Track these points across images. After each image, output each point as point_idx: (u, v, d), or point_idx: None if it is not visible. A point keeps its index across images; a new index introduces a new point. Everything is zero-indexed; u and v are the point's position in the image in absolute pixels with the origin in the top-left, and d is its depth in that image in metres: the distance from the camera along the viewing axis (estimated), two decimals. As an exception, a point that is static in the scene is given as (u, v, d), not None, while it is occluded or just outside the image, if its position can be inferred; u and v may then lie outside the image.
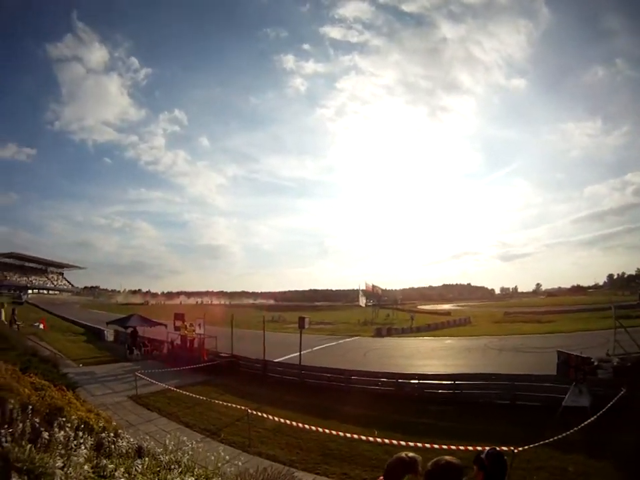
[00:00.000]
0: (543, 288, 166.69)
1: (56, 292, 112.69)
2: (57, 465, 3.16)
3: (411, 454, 2.93)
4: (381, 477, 2.92)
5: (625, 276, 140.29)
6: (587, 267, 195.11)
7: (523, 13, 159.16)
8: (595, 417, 8.99)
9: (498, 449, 3.08)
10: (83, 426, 4.83)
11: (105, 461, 3.82)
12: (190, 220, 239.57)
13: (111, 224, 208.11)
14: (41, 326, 35.33)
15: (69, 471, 3.14)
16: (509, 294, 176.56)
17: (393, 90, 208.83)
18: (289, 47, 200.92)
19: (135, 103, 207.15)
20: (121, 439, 4.90)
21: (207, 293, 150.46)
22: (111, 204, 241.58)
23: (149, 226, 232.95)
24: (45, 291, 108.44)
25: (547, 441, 7.76)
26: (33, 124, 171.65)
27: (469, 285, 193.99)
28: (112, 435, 4.85)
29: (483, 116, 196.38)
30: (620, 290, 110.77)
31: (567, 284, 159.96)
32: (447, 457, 2.74)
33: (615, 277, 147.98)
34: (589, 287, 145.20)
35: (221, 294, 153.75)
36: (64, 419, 4.64)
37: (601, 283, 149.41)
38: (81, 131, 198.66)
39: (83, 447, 3.89)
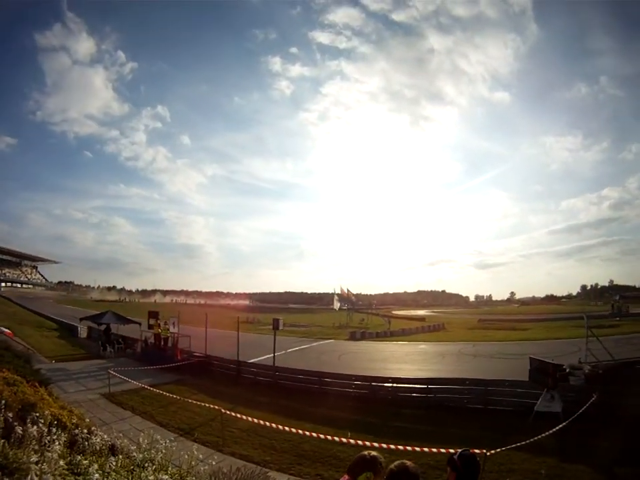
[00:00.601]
0: (517, 297, 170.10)
1: (29, 286, 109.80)
2: (32, 460, 3.14)
3: (373, 453, 3.05)
4: (345, 475, 3.05)
5: (598, 287, 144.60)
6: (561, 278, 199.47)
7: (511, 28, 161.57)
8: (567, 422, 9.27)
9: (470, 450, 3.22)
10: (56, 422, 4.79)
11: (79, 457, 3.82)
12: (167, 218, 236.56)
13: (88, 219, 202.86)
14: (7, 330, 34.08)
15: (43, 467, 3.08)
16: (483, 301, 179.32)
17: (376, 97, 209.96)
18: (277, 49, 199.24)
19: (119, 97, 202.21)
20: (94, 436, 4.86)
21: (182, 292, 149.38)
22: (90, 198, 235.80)
23: (126, 222, 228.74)
24: (19, 285, 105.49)
25: (519, 444, 7.93)
26: (15, 113, 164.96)
27: (443, 291, 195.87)
28: (85, 431, 4.81)
29: (465, 127, 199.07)
30: (593, 300, 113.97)
31: (540, 293, 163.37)
32: (409, 462, 2.85)
33: (589, 287, 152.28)
34: (562, 297, 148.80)
35: (196, 293, 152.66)
36: (37, 415, 4.59)
37: (574, 293, 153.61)
38: (63, 122, 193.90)
39: (57, 443, 3.83)
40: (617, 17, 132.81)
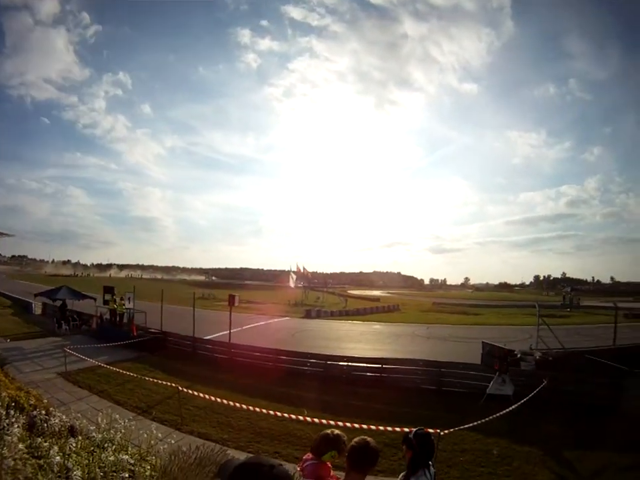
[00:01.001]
0: (471, 282, 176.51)
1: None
2: (-10, 444, 3.17)
3: (336, 431, 3.20)
4: (309, 453, 3.21)
5: (551, 278, 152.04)
6: (515, 267, 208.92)
7: (487, 22, 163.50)
8: (518, 405, 9.70)
9: (425, 430, 3.46)
10: (13, 405, 4.76)
11: (39, 440, 3.85)
12: (124, 189, 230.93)
13: (43, 189, 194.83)
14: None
15: (3, 452, 3.09)
16: (438, 285, 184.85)
17: (344, 77, 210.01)
18: (247, 20, 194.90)
19: (80, 61, 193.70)
20: (53, 418, 4.85)
21: (138, 267, 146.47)
22: (45, 167, 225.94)
23: (81, 193, 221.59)
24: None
25: (471, 424, 8.31)
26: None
27: (399, 273, 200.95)
28: (44, 413, 4.80)
29: (431, 114, 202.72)
30: (545, 291, 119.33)
31: (494, 280, 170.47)
32: (369, 439, 3.03)
33: (542, 278, 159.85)
34: (515, 285, 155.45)
35: (152, 268, 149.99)
36: (-7, 397, 4.58)
37: (527, 283, 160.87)
38: (20, 86, 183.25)
39: (15, 426, 3.83)
40: (593, 23, 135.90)
